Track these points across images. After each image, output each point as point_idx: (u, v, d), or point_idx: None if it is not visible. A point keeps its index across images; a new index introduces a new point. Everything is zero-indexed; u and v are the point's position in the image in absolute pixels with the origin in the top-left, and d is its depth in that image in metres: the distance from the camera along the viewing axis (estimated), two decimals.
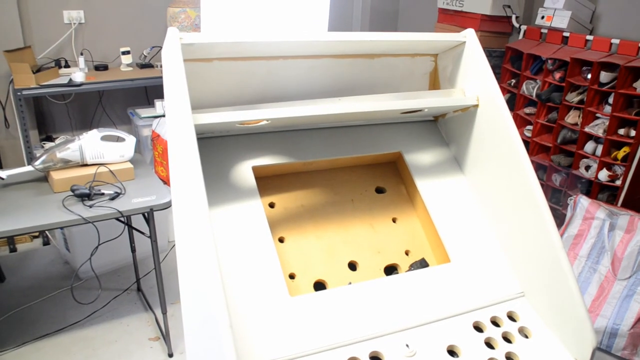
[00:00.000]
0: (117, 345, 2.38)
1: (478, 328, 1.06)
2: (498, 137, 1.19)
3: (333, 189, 1.23)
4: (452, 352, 1.00)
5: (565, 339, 1.06)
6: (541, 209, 1.09)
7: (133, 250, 2.65)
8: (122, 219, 2.10)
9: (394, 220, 1.23)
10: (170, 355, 2.31)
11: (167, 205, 2.06)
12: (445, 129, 1.36)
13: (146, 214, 2.07)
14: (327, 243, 1.14)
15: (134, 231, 2.61)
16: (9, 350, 2.34)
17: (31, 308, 2.62)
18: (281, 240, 1.12)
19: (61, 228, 2.83)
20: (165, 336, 2.31)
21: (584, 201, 2.85)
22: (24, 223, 1.86)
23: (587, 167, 3.24)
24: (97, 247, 2.32)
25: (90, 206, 1.98)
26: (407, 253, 1.20)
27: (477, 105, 1.23)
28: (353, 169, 1.28)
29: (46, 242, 3.28)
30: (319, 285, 1.09)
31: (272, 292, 0.97)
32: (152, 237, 2.10)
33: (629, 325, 2.55)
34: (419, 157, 1.29)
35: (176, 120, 0.97)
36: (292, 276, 1.08)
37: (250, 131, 1.18)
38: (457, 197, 1.25)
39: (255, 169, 1.13)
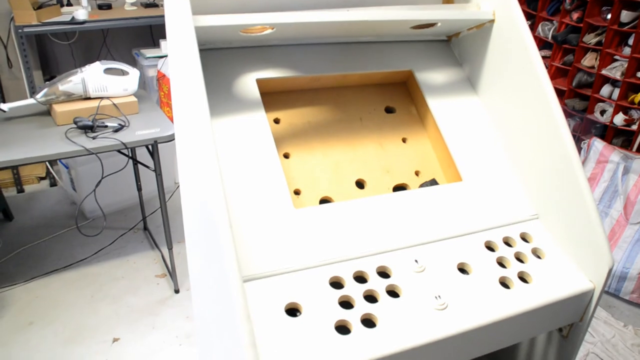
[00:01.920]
0: (123, 282, 2.39)
1: (490, 247, 1.02)
2: (515, 56, 1.12)
3: (341, 107, 1.18)
4: (462, 270, 0.97)
5: (580, 261, 1.03)
6: (560, 130, 1.04)
7: (139, 188, 2.63)
8: (125, 151, 2.07)
9: (404, 141, 1.18)
10: (177, 292, 2.31)
11: (172, 138, 2.02)
12: (458, 49, 1.29)
13: (150, 147, 2.04)
14: (334, 160, 1.10)
15: (139, 172, 2.59)
16: (18, 285, 2.36)
17: (39, 245, 2.63)
18: (286, 156, 1.08)
19: (65, 166, 2.82)
20: (172, 273, 2.31)
21: (598, 144, 2.79)
22: (27, 154, 1.83)
23: (603, 112, 3.16)
24: (100, 181, 2.30)
25: (94, 138, 1.94)
26: (417, 173, 1.15)
27: (492, 21, 1.16)
28: (362, 88, 1.23)
29: (53, 184, 3.28)
30: (325, 202, 1.05)
31: (276, 205, 0.94)
32: (157, 170, 2.07)
33: (638, 268, 2.52)
34: (431, 77, 1.23)
35: (176, 24, 0.91)
36: (297, 192, 1.04)
37: (254, 43, 1.12)
38: (470, 118, 1.20)
39: (259, 82, 1.08)
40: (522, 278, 0.98)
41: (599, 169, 2.77)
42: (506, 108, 1.17)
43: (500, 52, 1.17)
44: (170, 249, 2.25)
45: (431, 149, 1.19)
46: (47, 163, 3.21)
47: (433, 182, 1.14)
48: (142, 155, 2.37)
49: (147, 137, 1.97)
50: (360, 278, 0.90)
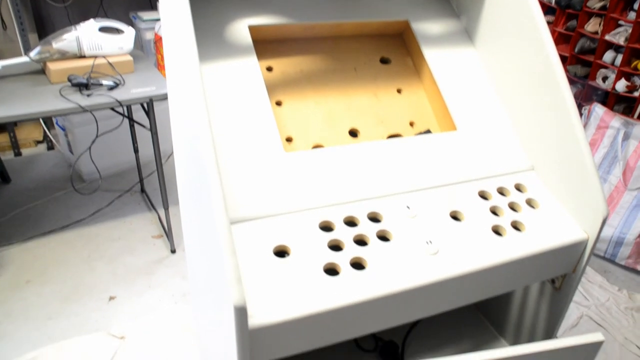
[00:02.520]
0: (120, 242, 2.39)
1: (483, 196, 1.02)
2: (514, 7, 1.09)
3: (335, 56, 1.16)
4: (455, 217, 0.96)
5: (575, 211, 1.02)
6: (559, 81, 1.02)
7: (136, 150, 2.62)
8: (121, 110, 2.05)
9: (399, 91, 1.17)
10: (173, 252, 2.32)
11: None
12: (456, 1, 1.26)
13: (146, 105, 2.02)
14: (327, 109, 1.08)
15: (136, 134, 2.58)
16: (15, 245, 2.36)
17: (36, 207, 2.63)
18: (278, 103, 1.06)
19: (62, 128, 2.80)
20: (168, 234, 2.32)
21: (598, 109, 2.76)
22: (21, 110, 1.81)
23: (605, 78, 3.13)
24: (95, 139, 2.28)
25: (88, 95, 1.92)
26: (411, 124, 1.14)
27: None
28: (357, 39, 1.20)
29: (50, 147, 3.26)
30: None
31: (266, 149, 0.93)
32: (153, 129, 2.05)
33: (635, 234, 2.52)
34: (428, 28, 1.20)
35: None
36: (289, 139, 1.03)
37: None
38: (466, 70, 1.18)
39: (252, 29, 1.06)
40: (515, 227, 0.98)
41: (598, 135, 2.75)
42: (504, 60, 1.15)
43: (499, 4, 1.14)
44: (166, 209, 2.25)
45: (426, 100, 1.18)
46: (43, 126, 3.19)
47: (428, 133, 1.12)
48: (140, 118, 2.36)
49: (142, 95, 1.95)
50: (350, 222, 0.89)
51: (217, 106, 0.94)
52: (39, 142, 3.32)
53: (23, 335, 1.90)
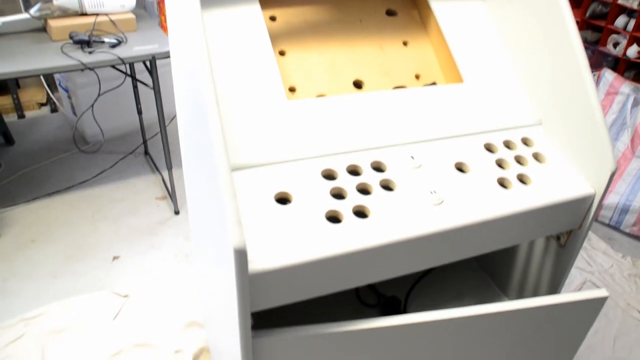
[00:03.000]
0: (124, 203, 2.39)
1: (489, 149, 1.00)
2: None
3: (340, 7, 1.13)
4: (460, 169, 0.95)
5: (582, 166, 1.00)
6: (570, 33, 0.99)
7: (139, 112, 2.60)
8: (123, 69, 2.03)
9: (404, 44, 1.14)
10: (177, 213, 2.32)
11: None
12: None
13: (148, 63, 1.99)
14: (331, 60, 1.06)
15: (139, 96, 2.55)
16: (20, 205, 2.37)
17: (40, 168, 2.63)
18: (282, 53, 1.04)
19: (65, 89, 2.78)
20: (172, 195, 2.31)
21: (608, 75, 2.71)
22: (22, 67, 1.79)
23: (616, 44, 3.07)
24: (98, 97, 2.26)
25: (90, 53, 1.89)
26: (417, 77, 1.11)
27: None
28: None
29: (54, 110, 3.24)
30: None
31: (269, 97, 0.91)
32: (155, 87, 2.03)
33: None
34: None
35: None
36: (292, 89, 1.01)
37: None
38: (474, 23, 1.14)
39: None
40: (522, 180, 0.96)
41: (607, 101, 2.71)
42: (513, 13, 1.12)
43: None
44: (169, 169, 2.24)
45: (433, 53, 1.15)
46: (46, 88, 3.16)
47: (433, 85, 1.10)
48: (143, 80, 2.33)
49: (144, 52, 1.92)
50: (353, 172, 0.88)
51: (219, 55, 0.92)
52: (42, 104, 3.30)
53: (28, 292, 1.92)
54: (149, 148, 2.75)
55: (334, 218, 0.81)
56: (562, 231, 1.03)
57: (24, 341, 1.72)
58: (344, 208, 0.81)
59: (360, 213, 0.82)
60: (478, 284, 1.33)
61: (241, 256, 0.67)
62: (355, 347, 0.85)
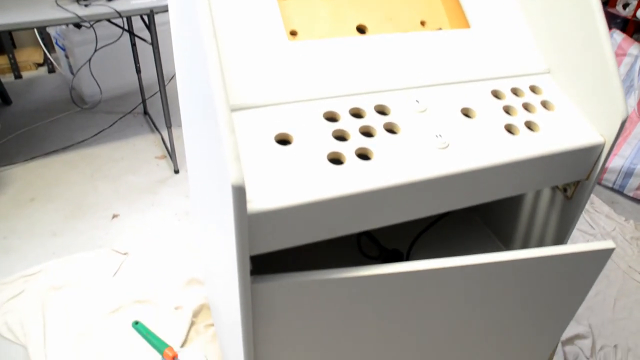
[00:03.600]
0: (123, 163, 2.37)
1: (496, 96, 0.97)
2: None
3: None
4: (466, 114, 0.92)
5: (592, 114, 0.97)
6: None
7: (138, 70, 2.55)
8: (120, 23, 1.98)
9: None
10: (176, 172, 2.30)
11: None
12: None
13: (146, 18, 1.94)
14: (334, 4, 1.02)
15: (138, 54, 2.51)
16: (19, 164, 2.35)
17: (38, 128, 2.60)
18: None
19: (62, 48, 2.73)
20: (171, 154, 2.29)
21: (617, 36, 2.65)
22: (16, 19, 1.74)
23: (625, 5, 3.00)
24: (95, 52, 2.22)
25: (86, 5, 1.84)
26: (422, 24, 1.07)
27: None
28: None
29: (51, 70, 3.20)
30: None
31: (270, 38, 0.87)
32: (154, 43, 1.99)
33: None
34: None
35: None
36: (293, 33, 0.97)
37: None
38: None
39: None
40: (529, 127, 0.93)
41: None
42: None
43: None
44: (169, 127, 2.21)
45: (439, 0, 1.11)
46: (43, 48, 3.11)
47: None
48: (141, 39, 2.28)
49: (142, 5, 1.87)
50: (356, 114, 0.85)
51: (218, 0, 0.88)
52: (39, 64, 3.25)
53: (28, 250, 1.91)
54: (148, 108, 2.71)
55: (335, 160, 0.78)
56: (570, 182, 1.01)
57: (24, 297, 1.72)
58: (347, 150, 0.79)
59: (363, 155, 0.80)
60: (481, 239, 1.31)
61: (239, 193, 0.64)
62: (356, 295, 0.83)
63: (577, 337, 1.74)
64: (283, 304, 0.81)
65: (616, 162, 2.53)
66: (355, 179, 0.75)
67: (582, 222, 2.33)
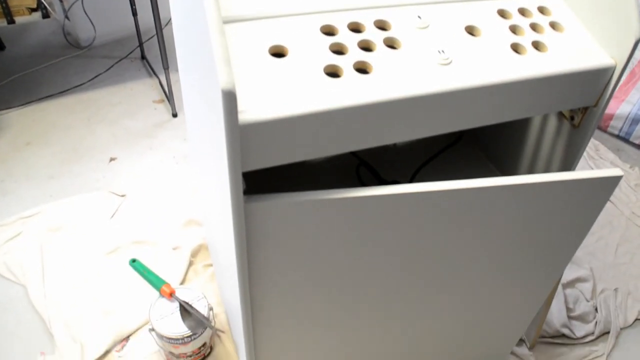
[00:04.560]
0: (120, 107, 2.32)
1: (502, 15, 0.92)
2: None
3: None
4: (470, 32, 0.87)
5: (603, 35, 0.92)
6: None
7: (134, 13, 2.48)
8: None
9: None
10: (175, 116, 2.26)
11: None
12: None
13: None
14: None
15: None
16: (14, 109, 2.31)
17: (33, 73, 2.55)
18: None
19: None
20: (169, 97, 2.24)
21: None
22: None
23: None
24: None
25: None
26: None
27: None
28: None
29: (45, 15, 3.11)
30: None
31: None
32: None
33: None
34: None
35: None
36: None
37: None
38: None
39: None
40: (536, 47, 0.89)
41: None
42: None
43: None
44: (166, 69, 2.16)
45: None
46: None
47: None
48: None
49: None
50: (355, 29, 0.81)
51: None
52: (33, 9, 3.16)
53: (25, 193, 1.89)
54: (146, 52, 2.65)
55: (332, 73, 0.74)
56: (577, 107, 0.97)
57: (22, 238, 1.71)
58: (344, 63, 0.75)
59: (362, 69, 0.76)
60: (484, 174, 1.28)
61: (229, 98, 0.61)
62: (352, 217, 0.81)
63: (578, 280, 1.73)
64: (278, 226, 0.79)
65: (623, 109, 2.47)
66: (353, 92, 0.72)
67: (586, 169, 2.29)
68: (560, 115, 1.06)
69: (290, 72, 0.72)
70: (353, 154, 1.23)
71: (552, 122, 1.08)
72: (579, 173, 0.90)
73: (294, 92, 0.70)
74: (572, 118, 1.02)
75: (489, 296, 1.11)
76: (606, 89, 0.94)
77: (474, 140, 1.35)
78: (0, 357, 1.38)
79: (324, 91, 0.71)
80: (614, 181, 0.93)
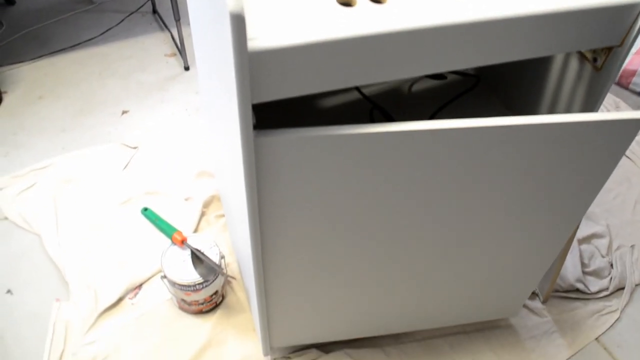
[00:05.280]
0: (132, 60, 2.30)
1: None
2: None
3: None
4: None
5: None
6: None
7: None
8: None
9: None
10: (187, 69, 2.24)
11: None
12: None
13: None
14: None
15: None
16: (26, 63, 2.30)
17: (44, 28, 2.52)
18: None
19: None
20: (181, 50, 2.21)
21: None
22: None
23: None
24: None
25: None
26: None
27: None
28: None
29: None
30: None
31: None
32: None
33: None
34: None
35: None
36: None
37: None
38: None
39: None
40: None
41: None
42: None
43: None
44: (177, 20, 2.12)
45: None
46: None
47: None
48: None
49: None
50: None
51: None
52: None
53: (38, 146, 1.89)
54: (157, 6, 2.61)
55: (346, 3, 0.71)
56: (601, 47, 0.93)
57: (35, 189, 1.71)
58: None
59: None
60: None
61: (238, 22, 0.58)
62: (364, 155, 0.79)
63: (594, 236, 1.71)
64: (288, 163, 0.77)
65: None
66: (366, 21, 0.69)
67: None
68: (582, 57, 1.02)
69: (302, 0, 0.69)
70: (366, 97, 1.21)
71: (573, 65, 1.04)
72: (601, 114, 0.87)
73: (305, 21, 0.67)
74: (594, 60, 0.98)
75: (503, 247, 1.09)
76: (633, 26, 0.90)
77: (492, 87, 1.31)
78: (16, 303, 1.40)
79: (336, 20, 0.68)
80: (635, 124, 0.90)
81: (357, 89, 1.24)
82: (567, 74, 1.06)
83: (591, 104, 1.03)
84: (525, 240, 1.10)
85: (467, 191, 0.91)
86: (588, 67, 1.00)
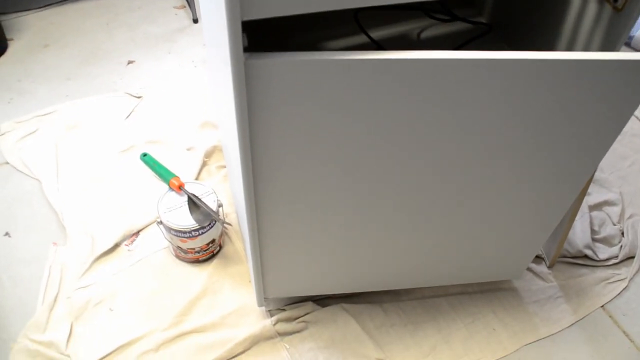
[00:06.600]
0: (140, 12, 2.26)
1: None
2: None
3: None
4: None
5: None
6: None
7: None
8: None
9: None
10: (195, 21, 2.19)
11: None
12: None
13: None
14: None
15: None
16: (32, 12, 2.26)
17: None
18: None
19: None
20: (190, 2, 2.17)
21: None
22: None
23: None
24: None
25: None
26: None
27: None
28: None
29: None
30: None
31: None
32: None
33: None
34: None
35: None
36: None
37: None
38: None
39: None
40: None
41: None
42: None
43: None
44: None
45: None
46: None
47: None
48: None
49: None
50: None
51: None
52: None
53: (42, 93, 1.87)
54: None
55: None
56: None
57: (37, 135, 1.69)
58: None
59: None
60: None
61: None
62: (362, 84, 0.74)
63: (606, 203, 1.65)
64: (281, 89, 0.73)
65: None
66: None
67: None
68: None
69: None
70: (374, 41, 1.16)
71: (592, 7, 0.98)
72: (620, 54, 0.81)
73: None
74: (615, 0, 0.92)
75: (506, 201, 1.05)
76: None
77: (504, 36, 1.25)
78: (15, 246, 1.39)
79: None
80: None
81: (365, 32, 1.18)
82: (584, 17, 1.00)
83: (611, 47, 0.97)
84: (529, 196, 1.05)
85: (470, 134, 0.86)
86: (608, 8, 0.94)
